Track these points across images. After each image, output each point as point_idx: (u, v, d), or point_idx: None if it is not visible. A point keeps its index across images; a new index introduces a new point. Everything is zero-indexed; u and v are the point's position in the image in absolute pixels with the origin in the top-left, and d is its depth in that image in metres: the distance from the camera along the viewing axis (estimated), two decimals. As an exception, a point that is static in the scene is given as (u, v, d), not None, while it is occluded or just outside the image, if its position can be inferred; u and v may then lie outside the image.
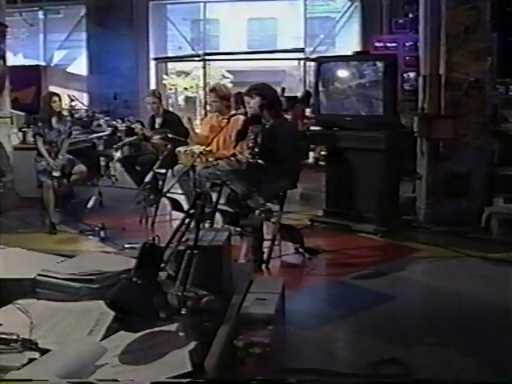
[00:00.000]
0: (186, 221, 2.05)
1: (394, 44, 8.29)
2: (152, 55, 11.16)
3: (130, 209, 6.28)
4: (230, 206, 5.06)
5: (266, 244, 4.70)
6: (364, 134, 5.58)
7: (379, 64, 5.50)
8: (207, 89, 11.32)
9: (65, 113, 6.96)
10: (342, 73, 5.82)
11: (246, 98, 4.68)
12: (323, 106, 5.94)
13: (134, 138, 6.10)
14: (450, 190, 5.80)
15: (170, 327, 1.66)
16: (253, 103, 4.64)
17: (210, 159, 4.91)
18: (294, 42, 13.89)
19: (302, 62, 14.15)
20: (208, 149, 4.97)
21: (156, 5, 11.41)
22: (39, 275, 1.95)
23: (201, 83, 12.71)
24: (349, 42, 12.68)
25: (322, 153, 8.41)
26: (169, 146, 5.02)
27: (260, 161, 4.37)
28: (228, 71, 14.25)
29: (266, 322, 2.02)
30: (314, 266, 4.79)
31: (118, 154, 7.94)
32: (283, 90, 9.59)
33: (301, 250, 4.94)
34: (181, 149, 5.19)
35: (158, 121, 6.37)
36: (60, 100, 6.16)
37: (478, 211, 5.65)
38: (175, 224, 5.90)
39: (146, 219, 5.26)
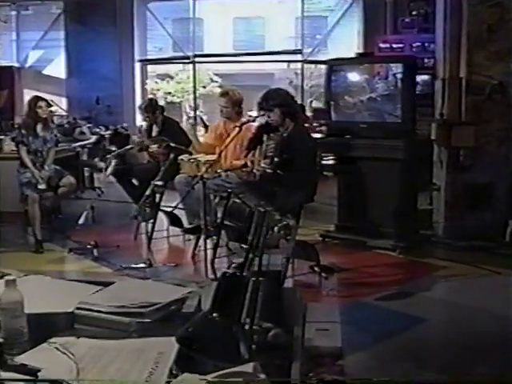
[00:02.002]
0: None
1: (400, 45, 8.26)
2: (137, 56, 11.01)
3: (122, 224, 6.17)
4: (234, 220, 4.94)
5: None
6: (380, 143, 5.52)
7: (396, 68, 5.45)
8: (198, 92, 11.22)
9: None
10: (353, 83, 5.77)
11: (265, 112, 4.60)
12: (334, 115, 5.89)
13: (130, 146, 5.96)
14: (471, 203, 5.75)
15: (243, 368, 1.52)
16: (273, 116, 4.58)
17: (219, 170, 4.79)
18: (284, 43, 13.85)
19: (291, 64, 14.13)
20: (215, 158, 4.84)
21: (140, 2, 11.25)
22: (78, 308, 1.80)
23: (187, 87, 12.57)
24: (344, 42, 12.65)
25: (325, 162, 8.33)
26: (171, 156, 4.89)
27: (279, 171, 4.28)
28: (215, 74, 14.15)
29: (334, 356, 1.89)
30: (331, 286, 4.71)
31: (104, 165, 7.81)
32: None
33: (316, 269, 4.84)
34: (184, 157, 5.07)
35: (156, 128, 6.26)
36: (47, 105, 6.01)
37: (502, 225, 5.61)
38: (173, 241, 5.92)
39: (147, 235, 5.15)
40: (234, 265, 1.96)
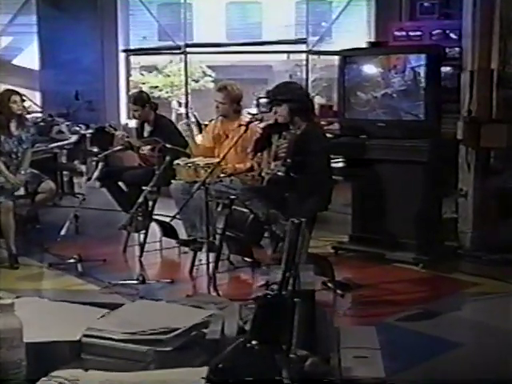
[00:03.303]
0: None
1: (417, 33, 8.21)
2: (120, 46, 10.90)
3: (109, 235, 6.14)
4: (235, 230, 4.93)
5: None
6: (400, 143, 5.50)
7: (417, 60, 5.44)
8: (189, 86, 11.15)
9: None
10: (367, 77, 5.79)
11: (272, 107, 4.61)
12: (347, 113, 5.88)
13: (118, 148, 5.93)
14: (502, 210, 5.74)
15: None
16: (280, 111, 4.58)
17: (222, 174, 4.77)
18: (283, 32, 13.82)
19: (291, 55, 14.09)
20: (216, 161, 4.81)
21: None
22: (85, 336, 1.75)
23: (177, 81, 12.52)
24: (351, 30, 12.64)
25: (334, 165, 8.33)
26: (167, 159, 4.85)
27: (292, 174, 4.26)
28: (208, 67, 14.11)
29: (379, 388, 1.85)
30: (348, 305, 4.68)
31: (85, 168, 7.79)
32: None
33: (330, 285, 4.81)
34: (180, 161, 5.03)
35: (148, 127, 6.23)
36: (22, 100, 5.96)
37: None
38: (167, 254, 5.88)
39: (140, 247, 5.14)
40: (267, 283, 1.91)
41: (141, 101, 6.20)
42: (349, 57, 5.90)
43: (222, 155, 4.86)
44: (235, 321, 1.93)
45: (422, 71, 5.43)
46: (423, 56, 5.42)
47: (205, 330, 1.85)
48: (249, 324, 1.83)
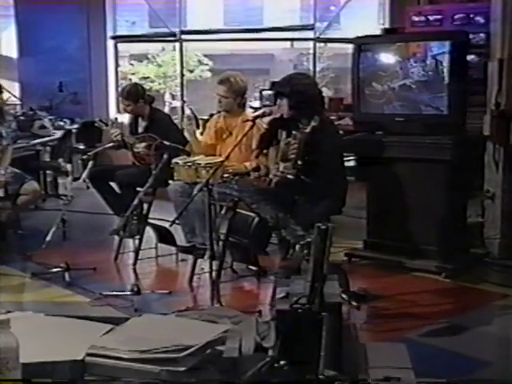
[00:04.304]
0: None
1: (438, 17, 8.20)
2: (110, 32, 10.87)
3: (99, 241, 6.20)
4: (239, 235, 4.92)
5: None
6: (421, 140, 5.49)
7: (439, 47, 5.44)
8: (184, 77, 11.13)
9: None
10: (384, 67, 5.78)
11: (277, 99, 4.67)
12: (363, 106, 5.89)
13: (110, 144, 5.93)
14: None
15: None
16: (282, 105, 4.62)
17: (226, 175, 4.76)
18: (286, 17, 13.85)
19: (295, 43, 14.11)
20: (219, 160, 4.80)
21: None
22: (90, 355, 1.74)
23: (170, 71, 12.52)
24: (361, 15, 12.68)
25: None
26: (164, 157, 4.85)
27: (303, 177, 4.25)
28: (205, 55, 14.14)
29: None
30: (364, 318, 4.66)
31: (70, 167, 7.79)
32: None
33: (344, 296, 4.80)
34: (179, 160, 5.02)
35: (143, 123, 6.24)
36: (0, 91, 5.96)
37: None
38: (163, 262, 5.87)
39: (135, 254, 5.15)
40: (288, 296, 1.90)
41: (134, 95, 6.13)
42: (364, 44, 5.89)
43: (225, 154, 4.84)
44: (252, 337, 1.92)
45: (445, 60, 5.41)
46: (447, 43, 5.40)
47: (221, 348, 1.84)
48: (267, 340, 1.82)
